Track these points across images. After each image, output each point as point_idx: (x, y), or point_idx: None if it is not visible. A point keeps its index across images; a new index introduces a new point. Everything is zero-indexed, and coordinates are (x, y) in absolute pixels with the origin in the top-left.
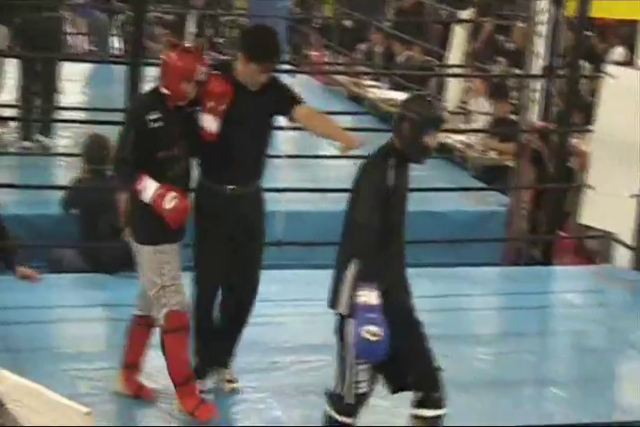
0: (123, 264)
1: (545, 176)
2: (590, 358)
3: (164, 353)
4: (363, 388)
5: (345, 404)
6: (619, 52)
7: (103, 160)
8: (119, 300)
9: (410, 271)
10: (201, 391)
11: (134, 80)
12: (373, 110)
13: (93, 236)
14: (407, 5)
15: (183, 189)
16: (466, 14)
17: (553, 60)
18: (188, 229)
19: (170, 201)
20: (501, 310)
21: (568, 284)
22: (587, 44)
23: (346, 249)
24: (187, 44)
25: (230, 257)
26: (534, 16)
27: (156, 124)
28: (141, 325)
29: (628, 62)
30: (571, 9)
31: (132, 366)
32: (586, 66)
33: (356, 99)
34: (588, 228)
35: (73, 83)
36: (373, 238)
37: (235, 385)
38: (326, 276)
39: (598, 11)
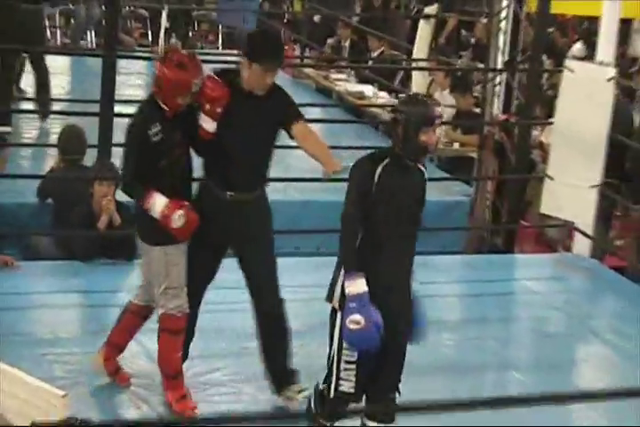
0: (95, 252)
1: (507, 167)
2: (550, 344)
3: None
4: (344, 387)
5: (327, 405)
6: (578, 47)
7: (77, 151)
8: (92, 286)
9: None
10: None
11: (109, 72)
12: (341, 102)
13: (67, 224)
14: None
15: (184, 191)
16: (431, 10)
17: (515, 54)
18: None
19: (177, 220)
20: (465, 297)
21: (529, 271)
22: (547, 40)
23: None
24: (182, 55)
25: (217, 260)
26: (497, 12)
27: (157, 137)
28: (135, 313)
29: (587, 57)
30: (532, 5)
31: (115, 346)
32: (546, 60)
33: (324, 91)
34: (549, 217)
35: (53, 75)
36: (352, 229)
37: None
38: (295, 263)
39: (558, 7)
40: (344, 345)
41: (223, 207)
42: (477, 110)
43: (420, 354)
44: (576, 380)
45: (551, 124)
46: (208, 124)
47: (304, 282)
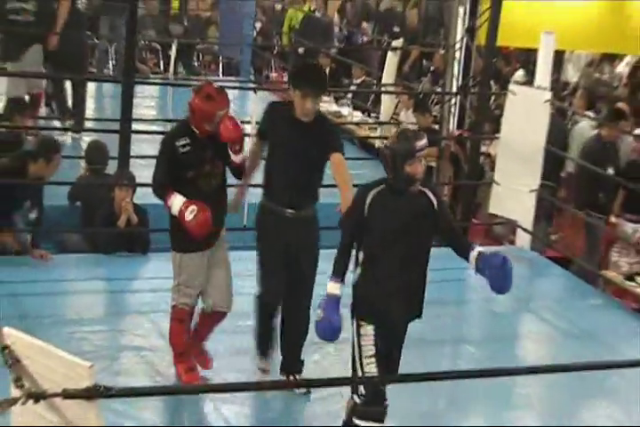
0: (116, 246)
1: (461, 174)
2: (497, 321)
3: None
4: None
5: (365, 408)
6: (519, 74)
7: (101, 161)
8: (113, 275)
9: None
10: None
11: (128, 96)
12: None
13: (92, 223)
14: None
15: (219, 202)
16: (397, 43)
17: (467, 80)
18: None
19: (190, 213)
20: (427, 283)
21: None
22: (494, 68)
23: None
24: (211, 88)
25: (286, 268)
26: (452, 44)
27: (185, 149)
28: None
29: (527, 82)
30: (481, 39)
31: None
32: (493, 85)
33: None
34: (496, 216)
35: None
36: (343, 242)
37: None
38: None
39: (503, 40)
40: (362, 342)
41: (285, 223)
42: (436, 127)
43: None
44: (519, 352)
45: (497, 138)
46: (234, 157)
47: None
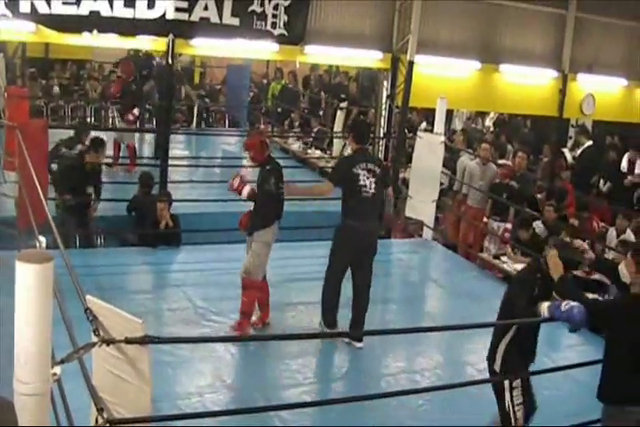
0: (158, 242)
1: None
2: (411, 287)
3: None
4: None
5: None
6: (424, 124)
7: (149, 185)
8: (156, 261)
9: (313, 243)
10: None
11: (165, 141)
12: (293, 156)
13: (143, 226)
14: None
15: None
16: (344, 104)
17: (390, 129)
18: None
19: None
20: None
21: (400, 248)
22: (408, 121)
23: None
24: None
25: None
26: (380, 105)
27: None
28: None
29: (429, 130)
30: (399, 101)
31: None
32: (408, 133)
33: (284, 150)
34: (410, 218)
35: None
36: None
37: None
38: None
39: (413, 102)
40: (514, 393)
41: (362, 235)
42: None
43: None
44: (425, 307)
45: (410, 166)
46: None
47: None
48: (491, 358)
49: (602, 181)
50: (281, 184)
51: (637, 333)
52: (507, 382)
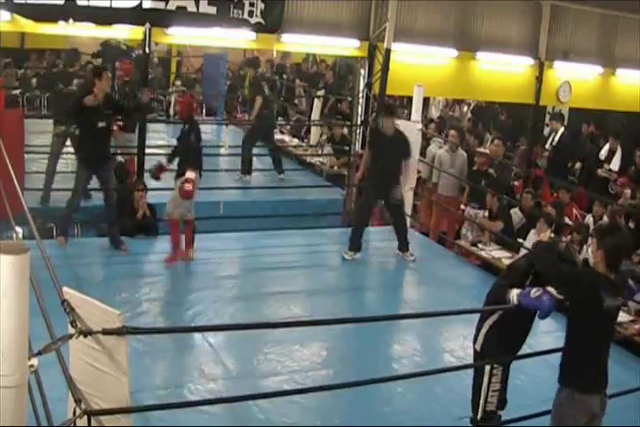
0: (135, 231)
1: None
2: (387, 273)
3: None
4: (490, 407)
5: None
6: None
7: (124, 175)
8: (133, 250)
9: (290, 231)
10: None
11: (142, 131)
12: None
13: (121, 216)
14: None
15: None
16: (320, 93)
17: (366, 117)
18: None
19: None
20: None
21: (377, 236)
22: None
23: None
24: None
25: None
26: (356, 94)
27: None
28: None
29: (406, 118)
30: (376, 89)
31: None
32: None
33: None
34: None
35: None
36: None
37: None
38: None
39: (390, 90)
40: (492, 380)
41: (384, 185)
42: (347, 148)
43: (312, 282)
44: (402, 295)
45: None
46: None
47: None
48: (475, 338)
49: (578, 168)
50: (199, 138)
51: (593, 310)
52: (487, 367)
